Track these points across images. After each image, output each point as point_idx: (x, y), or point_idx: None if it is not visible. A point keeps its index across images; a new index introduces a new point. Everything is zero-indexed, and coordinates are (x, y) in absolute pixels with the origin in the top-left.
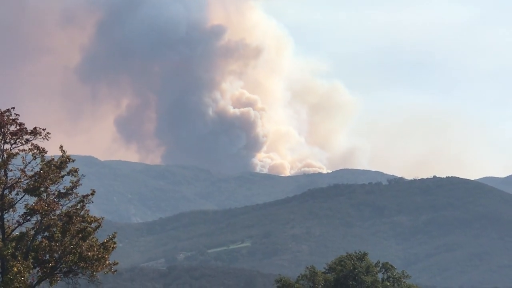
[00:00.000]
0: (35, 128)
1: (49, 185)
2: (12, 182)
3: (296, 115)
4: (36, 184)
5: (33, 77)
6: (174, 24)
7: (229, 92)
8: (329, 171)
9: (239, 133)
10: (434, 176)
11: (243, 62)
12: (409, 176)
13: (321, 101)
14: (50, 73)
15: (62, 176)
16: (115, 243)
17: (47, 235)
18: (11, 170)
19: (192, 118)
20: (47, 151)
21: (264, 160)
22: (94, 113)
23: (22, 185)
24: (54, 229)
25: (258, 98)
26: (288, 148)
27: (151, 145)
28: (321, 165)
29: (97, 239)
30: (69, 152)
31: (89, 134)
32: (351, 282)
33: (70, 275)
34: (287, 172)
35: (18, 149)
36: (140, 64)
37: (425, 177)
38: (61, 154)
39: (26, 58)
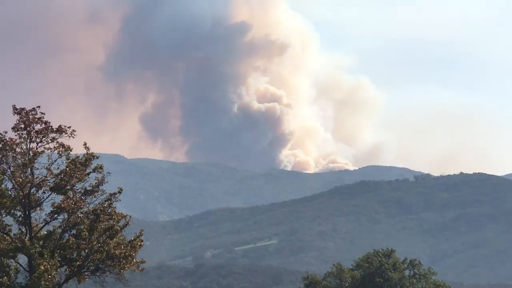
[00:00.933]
0: (60, 126)
1: (75, 183)
2: (39, 181)
3: (321, 112)
4: (62, 182)
5: (58, 76)
6: (199, 21)
7: (253, 88)
8: (356, 168)
9: (264, 129)
10: (461, 173)
11: (268, 58)
12: (435, 172)
13: (347, 97)
14: (75, 71)
15: (88, 174)
16: (142, 241)
17: (74, 233)
18: (37, 169)
19: (217, 115)
20: (72, 149)
21: (289, 156)
22: (120, 111)
23: (48, 183)
24: (81, 227)
25: (283, 93)
26: (313, 145)
27: (177, 143)
28: (347, 162)
29: (124, 237)
30: (96, 150)
31: (115, 132)
32: (378, 279)
33: (98, 273)
34: (312, 169)
35: (44, 147)
36: (164, 61)
37: (452, 174)
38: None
39: (51, 57)
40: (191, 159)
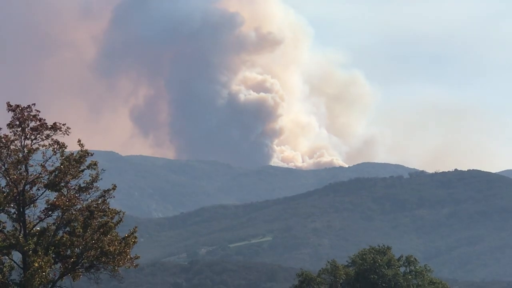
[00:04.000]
0: (55, 123)
1: (69, 180)
2: (33, 178)
3: (314, 108)
4: (57, 179)
5: (52, 73)
6: (189, 14)
7: (245, 83)
8: (350, 165)
9: (256, 125)
10: (455, 169)
11: (260, 53)
12: (429, 169)
13: (340, 92)
14: (68, 68)
15: (82, 171)
16: (136, 237)
17: (69, 230)
18: (32, 166)
19: (209, 111)
20: (67, 146)
21: (281, 152)
22: (114, 108)
23: (43, 180)
24: (75, 224)
25: (277, 85)
26: (305, 140)
27: (169, 139)
28: (338, 158)
29: (117, 234)
30: (90, 147)
31: (109, 129)
32: (372, 276)
33: (92, 270)
34: (306, 165)
35: (39, 145)
36: (154, 56)
37: (446, 171)
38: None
39: (44, 53)
40: (185, 156)
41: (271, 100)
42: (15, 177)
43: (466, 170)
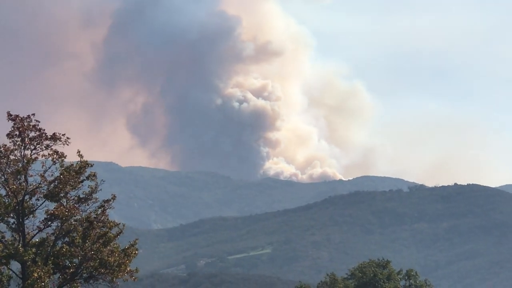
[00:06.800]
0: (54, 133)
1: (69, 190)
2: (33, 188)
3: (314, 120)
4: (56, 189)
5: (52, 83)
6: (186, 25)
7: (245, 95)
8: (349, 178)
9: (255, 136)
10: (455, 184)
11: (260, 63)
12: (429, 182)
13: (339, 104)
14: (68, 78)
15: (82, 181)
16: (136, 249)
17: (68, 240)
18: (31, 176)
19: (207, 123)
20: (66, 156)
21: (281, 164)
22: (114, 119)
23: (42, 190)
24: (75, 235)
25: (277, 92)
26: (304, 152)
27: (168, 150)
28: (337, 171)
29: (118, 245)
30: (90, 158)
31: (109, 140)
32: None
33: (91, 281)
34: (304, 178)
35: (38, 155)
36: (153, 66)
37: (445, 185)
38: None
39: (44, 63)
40: (183, 167)
41: (271, 111)
42: (14, 187)
43: (465, 184)
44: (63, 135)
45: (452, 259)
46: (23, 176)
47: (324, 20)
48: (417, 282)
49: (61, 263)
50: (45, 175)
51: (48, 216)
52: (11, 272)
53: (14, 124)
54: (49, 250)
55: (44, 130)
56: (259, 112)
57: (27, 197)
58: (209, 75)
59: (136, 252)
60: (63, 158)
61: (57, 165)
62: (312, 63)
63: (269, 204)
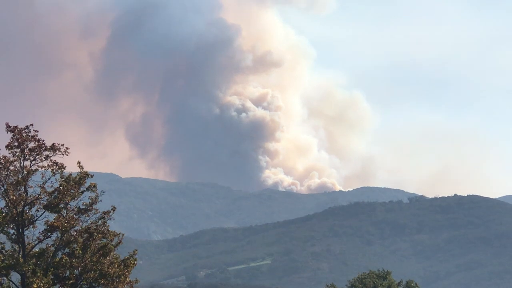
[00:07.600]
0: (53, 144)
1: (68, 201)
2: (32, 199)
3: (313, 130)
4: (56, 200)
5: (50, 93)
6: (185, 35)
7: (244, 105)
8: (349, 189)
9: (254, 146)
10: (455, 195)
11: (260, 74)
12: (429, 194)
13: (339, 114)
14: (67, 89)
15: (82, 192)
16: (135, 260)
17: (68, 251)
18: (31, 187)
19: (206, 133)
20: (65, 167)
21: (278, 175)
22: (114, 130)
23: (42, 201)
24: (75, 246)
25: (277, 102)
26: (304, 163)
27: (167, 161)
28: (337, 182)
29: (118, 256)
30: (90, 169)
31: (109, 151)
32: None
33: None
34: (304, 189)
35: (38, 166)
36: (151, 76)
37: (445, 196)
38: (80, 170)
39: (43, 74)
40: (184, 178)
41: (270, 121)
42: (14, 198)
43: (465, 195)
44: (62, 145)
45: (452, 270)
46: (22, 187)
47: (323, 30)
48: None
49: (61, 274)
50: (44, 186)
51: (48, 227)
52: (11, 283)
53: (13, 135)
54: (49, 261)
55: (43, 140)
56: (259, 122)
57: (27, 208)
58: (208, 85)
59: (135, 262)
60: (62, 169)
61: (57, 176)
62: (311, 74)
63: (269, 215)
